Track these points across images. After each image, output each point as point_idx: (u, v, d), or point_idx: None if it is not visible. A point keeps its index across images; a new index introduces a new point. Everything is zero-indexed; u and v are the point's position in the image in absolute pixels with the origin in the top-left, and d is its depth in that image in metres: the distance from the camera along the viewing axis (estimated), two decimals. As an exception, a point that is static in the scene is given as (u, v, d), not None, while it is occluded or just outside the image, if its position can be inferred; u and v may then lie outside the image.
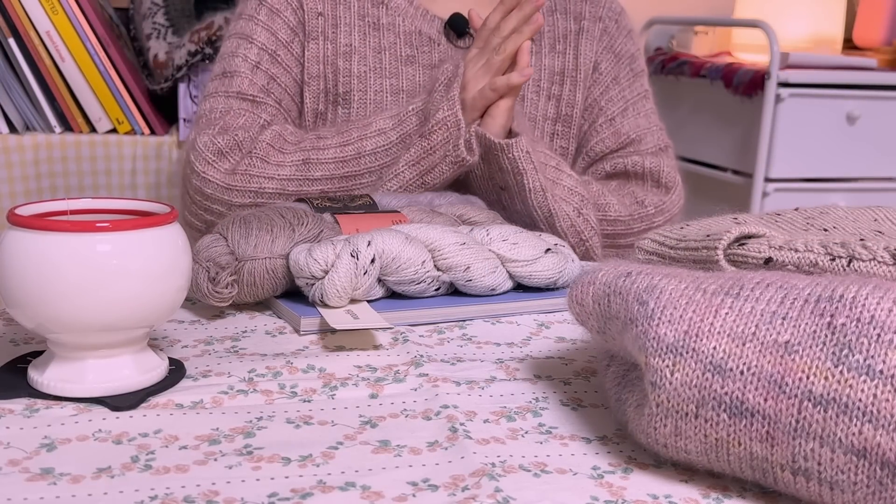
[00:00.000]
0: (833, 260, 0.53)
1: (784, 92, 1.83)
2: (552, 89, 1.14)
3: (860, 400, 0.42)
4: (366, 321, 0.69)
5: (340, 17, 1.09)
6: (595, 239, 1.04)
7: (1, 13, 1.43)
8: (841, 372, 0.43)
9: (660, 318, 0.48)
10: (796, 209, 0.68)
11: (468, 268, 0.77)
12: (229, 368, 0.63)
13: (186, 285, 0.59)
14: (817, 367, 0.44)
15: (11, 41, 1.44)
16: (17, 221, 0.55)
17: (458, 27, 1.11)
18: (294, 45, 1.08)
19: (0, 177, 1.41)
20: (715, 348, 0.46)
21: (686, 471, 0.51)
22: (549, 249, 0.81)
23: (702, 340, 0.47)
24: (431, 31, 1.11)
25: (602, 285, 0.53)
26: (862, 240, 0.53)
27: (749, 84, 1.86)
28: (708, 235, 0.58)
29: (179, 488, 0.47)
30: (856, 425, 0.42)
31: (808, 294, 0.46)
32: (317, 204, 0.87)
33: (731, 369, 0.46)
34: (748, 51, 2.06)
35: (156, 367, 0.59)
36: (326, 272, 0.73)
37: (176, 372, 0.61)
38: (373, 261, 0.74)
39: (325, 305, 0.73)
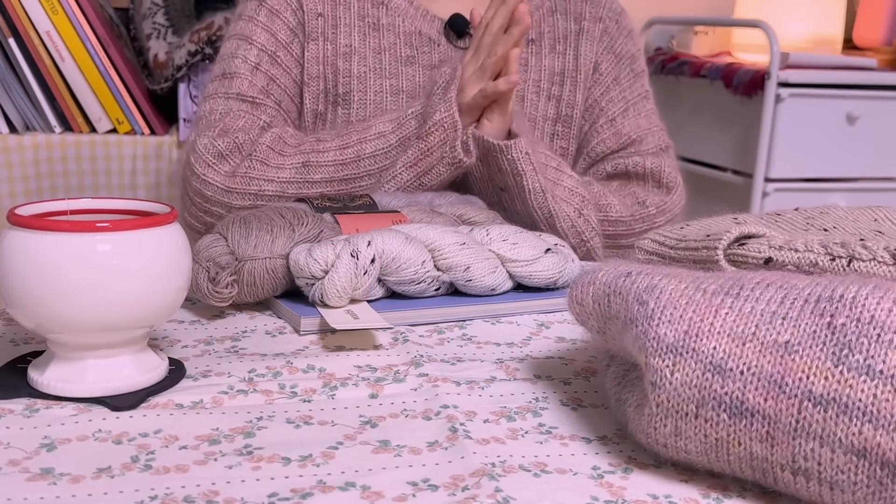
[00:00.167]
0: (833, 260, 0.53)
1: (784, 92, 1.83)
2: (552, 90, 1.14)
3: (860, 400, 0.42)
4: (366, 321, 0.69)
5: (340, 17, 1.09)
6: (596, 239, 1.04)
7: (1, 13, 1.43)
8: (841, 372, 0.43)
9: (660, 318, 0.48)
10: (796, 209, 0.68)
11: (468, 268, 0.77)
12: (229, 368, 0.63)
13: (186, 285, 0.59)
14: (817, 367, 0.44)
15: (11, 41, 1.44)
16: (17, 221, 0.55)
17: (458, 27, 1.11)
18: (294, 45, 1.08)
19: (0, 177, 1.42)
20: (715, 348, 0.46)
21: (686, 471, 0.51)
22: (549, 249, 0.81)
23: (702, 340, 0.47)
24: (431, 31, 1.11)
25: (602, 285, 0.53)
26: (862, 240, 0.53)
27: (749, 84, 1.86)
28: (708, 235, 0.58)
29: (179, 488, 0.47)
30: (856, 425, 0.42)
31: (808, 294, 0.46)
32: (317, 204, 0.87)
33: (731, 369, 0.46)
34: (748, 51, 2.06)
35: (156, 367, 0.59)
36: (326, 272, 0.73)
37: (176, 372, 0.61)
38: (373, 261, 0.74)
39: (325, 305, 0.73)
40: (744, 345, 0.46)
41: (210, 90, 1.07)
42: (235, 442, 0.52)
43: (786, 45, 1.88)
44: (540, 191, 0.98)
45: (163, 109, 1.58)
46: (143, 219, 0.56)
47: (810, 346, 0.44)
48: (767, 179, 1.87)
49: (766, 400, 0.45)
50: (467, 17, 1.10)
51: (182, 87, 1.52)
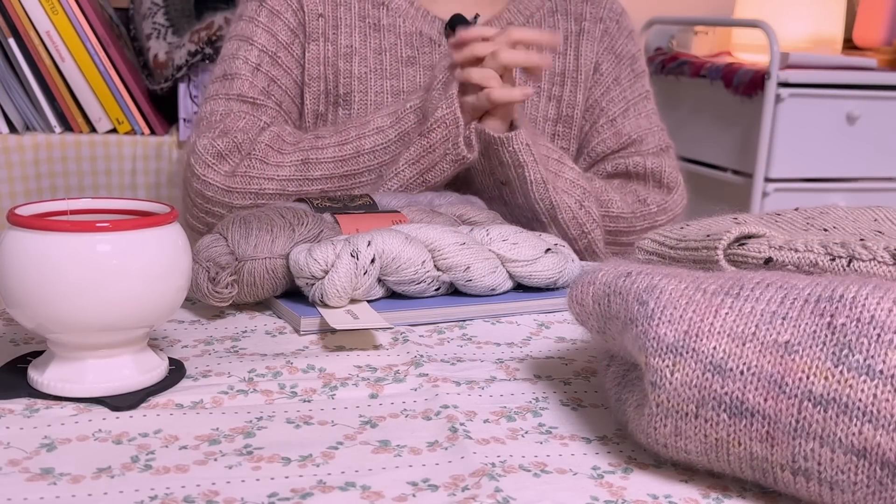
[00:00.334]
0: (833, 260, 0.52)
1: (784, 92, 1.83)
2: (553, 90, 1.14)
3: (860, 400, 0.42)
4: (366, 321, 0.69)
5: (341, 18, 1.09)
6: (597, 231, 1.04)
7: (1, 13, 1.43)
8: (841, 372, 0.43)
9: (660, 318, 0.48)
10: (796, 209, 0.68)
11: (468, 268, 0.77)
12: (229, 368, 0.63)
13: (186, 285, 0.59)
14: (817, 367, 0.44)
15: (11, 41, 1.44)
16: (17, 221, 0.55)
17: (458, 28, 1.11)
18: (294, 46, 1.08)
19: (0, 177, 1.42)
20: (715, 348, 0.46)
21: (686, 471, 0.51)
22: (549, 249, 0.81)
23: (702, 340, 0.47)
24: (432, 32, 1.11)
25: (602, 285, 0.53)
26: (862, 240, 0.53)
27: (749, 84, 1.86)
28: (708, 235, 0.58)
29: (179, 488, 0.47)
30: (856, 425, 0.42)
31: (808, 294, 0.46)
32: (317, 204, 0.87)
33: (731, 369, 0.46)
34: (748, 51, 2.06)
35: (156, 367, 0.59)
36: (326, 272, 0.73)
37: (176, 372, 0.61)
38: (373, 261, 0.74)
39: (325, 305, 0.73)
40: (744, 345, 0.46)
41: (211, 91, 1.07)
42: (235, 442, 0.52)
43: (786, 45, 1.88)
44: (541, 182, 0.98)
45: (163, 109, 1.58)
46: (143, 219, 0.56)
47: (810, 346, 0.44)
48: (767, 179, 1.87)
49: (766, 400, 0.45)
50: (467, 17, 1.10)
51: (182, 87, 1.52)
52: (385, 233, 0.76)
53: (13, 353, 0.64)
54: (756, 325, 0.46)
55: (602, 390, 0.59)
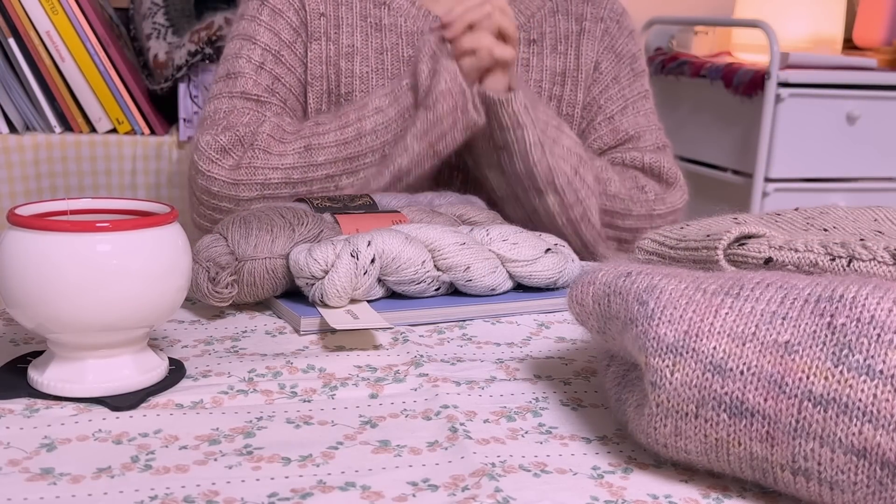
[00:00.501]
0: (833, 260, 0.52)
1: (784, 92, 1.83)
2: (553, 90, 1.14)
3: (860, 400, 0.42)
4: (366, 321, 0.69)
5: (342, 17, 1.09)
6: (592, 200, 1.04)
7: (1, 13, 1.43)
8: (841, 372, 0.43)
9: (660, 318, 0.48)
10: (796, 209, 0.68)
11: (468, 268, 0.77)
12: (229, 368, 0.63)
13: (186, 285, 0.59)
14: (817, 367, 0.44)
15: (11, 41, 1.44)
16: (17, 221, 0.55)
17: None
18: (297, 45, 1.08)
19: (0, 177, 1.42)
20: (715, 348, 0.46)
21: (686, 471, 0.51)
22: (549, 249, 0.81)
23: (702, 340, 0.47)
24: (433, 31, 1.11)
25: (602, 285, 0.53)
26: (862, 240, 0.53)
27: (749, 84, 1.86)
28: (708, 235, 0.58)
29: (179, 488, 0.47)
30: (856, 425, 0.42)
31: (808, 294, 0.46)
32: (317, 204, 0.87)
33: (731, 369, 0.46)
34: (748, 51, 2.06)
35: (156, 367, 0.59)
36: (326, 272, 0.73)
37: (176, 372, 0.61)
38: (373, 261, 0.74)
39: (325, 305, 0.73)
40: (744, 345, 0.46)
41: (214, 91, 1.07)
42: (235, 442, 0.52)
43: (786, 45, 1.88)
44: (539, 144, 0.98)
45: (163, 109, 1.58)
46: (143, 219, 0.56)
47: (810, 346, 0.44)
48: (767, 179, 1.87)
49: (766, 400, 0.45)
50: None
51: (182, 87, 1.52)
52: (385, 233, 0.76)
53: (13, 353, 0.64)
54: (756, 325, 0.46)
55: (602, 390, 0.59)
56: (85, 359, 0.57)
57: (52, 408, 0.56)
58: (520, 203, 1.03)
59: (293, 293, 0.76)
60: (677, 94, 2.08)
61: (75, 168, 1.46)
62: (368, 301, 0.76)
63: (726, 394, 0.46)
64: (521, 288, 0.82)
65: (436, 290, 0.78)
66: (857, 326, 0.43)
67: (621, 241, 1.10)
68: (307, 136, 1.00)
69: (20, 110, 1.46)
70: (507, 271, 0.80)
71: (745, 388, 0.45)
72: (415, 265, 0.75)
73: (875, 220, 0.66)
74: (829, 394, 0.43)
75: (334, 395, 0.60)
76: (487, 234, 0.80)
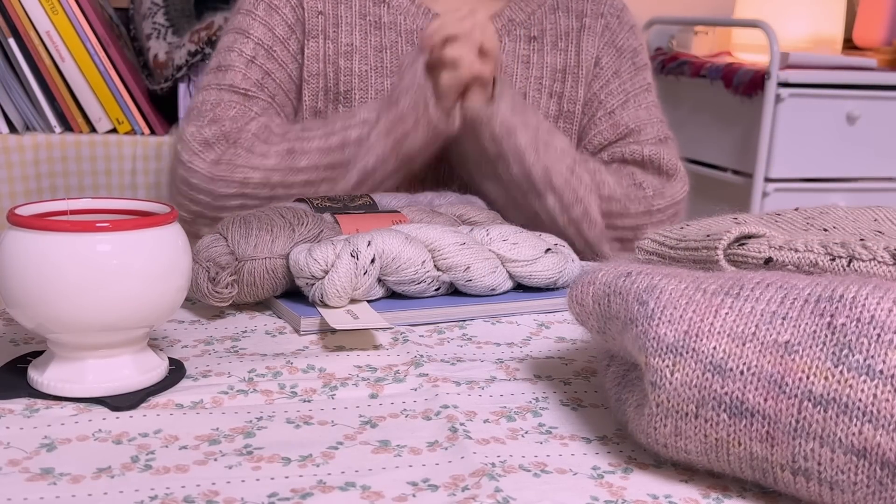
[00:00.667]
0: (833, 260, 0.52)
1: (784, 92, 1.83)
2: (554, 87, 1.14)
3: (860, 400, 0.42)
4: (366, 321, 0.69)
5: (341, 15, 1.09)
6: (592, 197, 1.04)
7: (1, 13, 1.43)
8: (841, 372, 0.43)
9: (660, 318, 0.48)
10: (796, 209, 0.68)
11: (468, 268, 0.77)
12: (229, 368, 0.63)
13: (186, 285, 0.59)
14: (817, 367, 0.44)
15: (11, 41, 1.44)
16: (17, 221, 0.55)
17: None
18: (291, 42, 1.08)
19: (0, 177, 1.42)
20: (715, 348, 0.46)
21: (686, 471, 0.51)
22: (549, 249, 0.81)
23: (702, 340, 0.47)
24: (432, 30, 1.11)
25: (602, 285, 0.53)
26: (862, 240, 0.53)
27: (749, 84, 1.86)
28: (708, 235, 0.58)
29: (179, 488, 0.47)
30: (856, 425, 0.42)
31: (808, 294, 0.46)
32: (317, 204, 0.87)
33: (731, 369, 0.46)
34: (748, 51, 2.06)
35: (156, 367, 0.59)
36: (326, 272, 0.73)
37: (176, 372, 0.61)
38: (373, 261, 0.74)
39: (325, 305, 0.73)
40: (744, 345, 0.46)
41: (204, 82, 1.07)
42: (235, 442, 0.52)
43: (786, 45, 1.88)
44: (532, 146, 0.99)
45: (163, 109, 1.58)
46: (143, 219, 0.56)
47: (810, 346, 0.44)
48: (767, 179, 1.87)
49: (766, 400, 0.45)
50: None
51: (182, 87, 1.52)
52: (385, 233, 0.76)
53: (13, 353, 0.64)
54: (756, 325, 0.46)
55: (602, 390, 0.59)
56: (85, 359, 0.57)
57: (52, 408, 0.56)
58: (520, 209, 1.02)
59: (293, 293, 0.76)
60: (677, 94, 2.08)
61: (75, 168, 1.46)
62: (368, 301, 0.76)
63: (726, 394, 0.46)
64: (521, 288, 0.82)
65: (436, 290, 0.78)
66: (857, 326, 0.43)
67: (623, 241, 1.10)
68: (292, 140, 1.00)
69: (20, 110, 1.46)
70: (507, 271, 0.80)
71: (745, 388, 0.45)
72: (415, 265, 0.75)
73: (875, 220, 0.66)
74: (829, 394, 0.43)
75: (334, 395, 0.60)
76: (487, 234, 0.80)
